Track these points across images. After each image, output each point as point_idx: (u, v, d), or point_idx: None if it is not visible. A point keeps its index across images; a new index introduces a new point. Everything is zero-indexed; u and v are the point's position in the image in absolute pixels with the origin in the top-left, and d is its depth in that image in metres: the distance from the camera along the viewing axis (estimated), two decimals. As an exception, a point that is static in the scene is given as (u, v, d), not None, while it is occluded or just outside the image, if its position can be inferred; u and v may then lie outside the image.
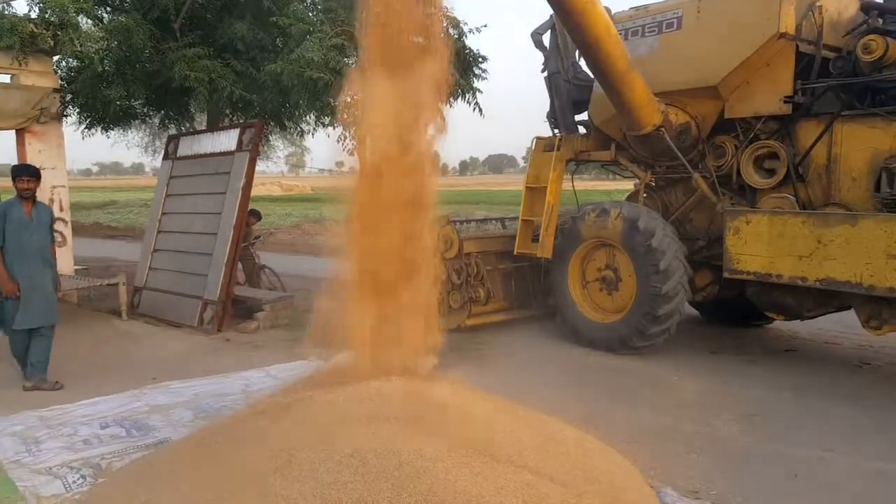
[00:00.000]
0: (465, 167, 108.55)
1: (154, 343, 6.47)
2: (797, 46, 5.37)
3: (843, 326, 6.74)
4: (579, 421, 3.60)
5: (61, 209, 7.85)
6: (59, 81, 8.13)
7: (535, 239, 6.78)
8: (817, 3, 5.41)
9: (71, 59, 8.41)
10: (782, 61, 5.42)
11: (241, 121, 9.34)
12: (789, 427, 4.32)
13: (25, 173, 5.01)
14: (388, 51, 3.33)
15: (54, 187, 7.86)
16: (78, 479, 3.33)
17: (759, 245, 5.33)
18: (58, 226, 6.33)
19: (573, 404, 4.40)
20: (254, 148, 7.34)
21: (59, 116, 8.03)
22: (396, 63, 3.33)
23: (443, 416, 2.83)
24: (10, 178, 5.09)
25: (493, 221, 8.62)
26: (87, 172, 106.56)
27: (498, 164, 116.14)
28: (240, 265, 8.00)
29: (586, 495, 2.68)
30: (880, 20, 5.28)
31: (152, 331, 6.98)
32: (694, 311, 7.35)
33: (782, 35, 5.26)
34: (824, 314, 5.94)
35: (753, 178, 5.71)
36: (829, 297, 5.35)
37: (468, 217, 9.86)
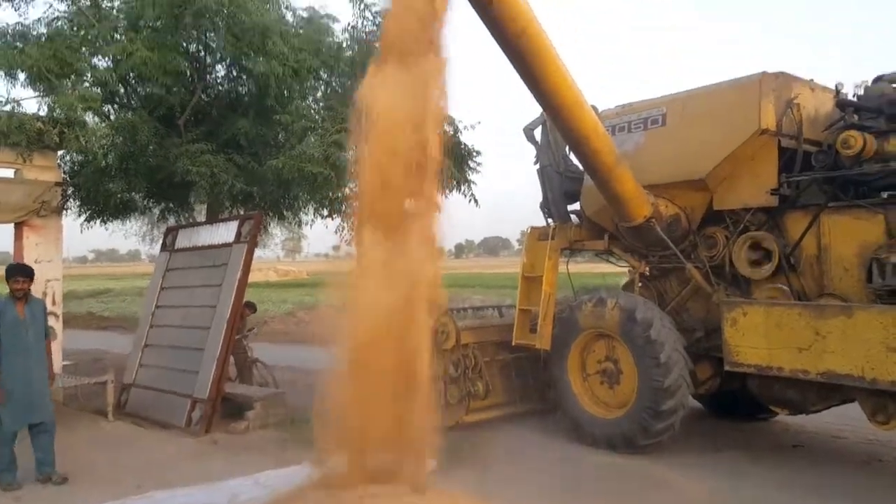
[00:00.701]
0: (461, 250, 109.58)
1: (140, 446, 6.22)
2: (779, 141, 5.53)
3: (847, 419, 6.50)
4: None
5: (54, 303, 7.72)
6: (63, 175, 8.21)
7: (534, 329, 6.68)
8: (795, 101, 5.59)
9: (75, 154, 8.58)
10: (766, 155, 5.56)
11: (240, 211, 9.45)
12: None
13: (21, 274, 5.16)
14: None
15: (49, 281, 7.75)
16: None
17: (758, 337, 5.25)
18: (49, 320, 6.25)
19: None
20: (252, 240, 7.34)
21: (60, 210, 8.03)
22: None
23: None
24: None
25: (491, 309, 8.54)
26: (82, 259, 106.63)
27: (493, 246, 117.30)
28: (231, 359, 7.83)
29: None
30: (856, 116, 5.51)
31: (139, 433, 6.74)
32: (696, 403, 7.15)
33: (764, 131, 5.43)
34: (829, 408, 5.76)
35: (746, 269, 5.72)
36: (832, 391, 5.21)
37: (464, 303, 9.83)
